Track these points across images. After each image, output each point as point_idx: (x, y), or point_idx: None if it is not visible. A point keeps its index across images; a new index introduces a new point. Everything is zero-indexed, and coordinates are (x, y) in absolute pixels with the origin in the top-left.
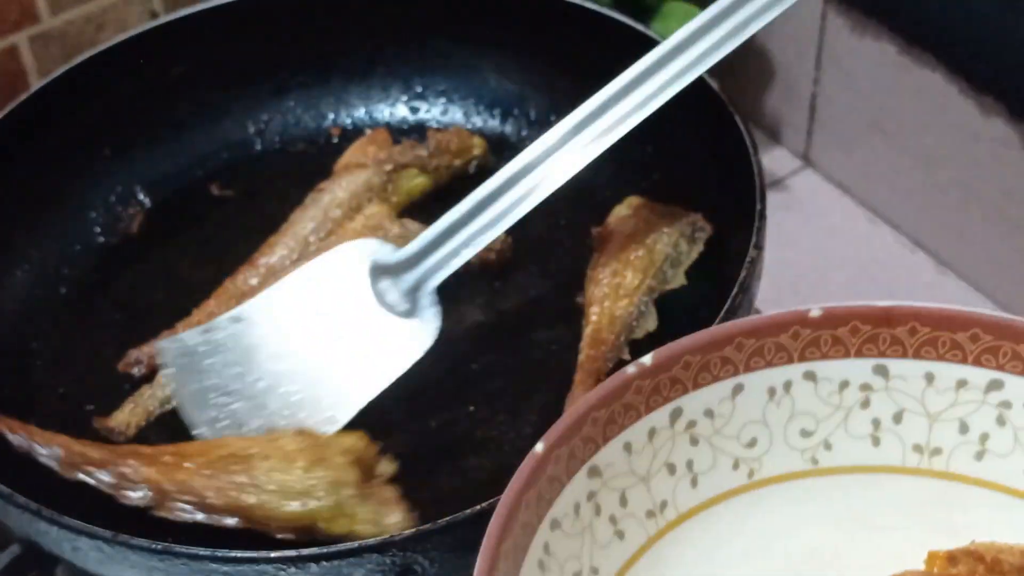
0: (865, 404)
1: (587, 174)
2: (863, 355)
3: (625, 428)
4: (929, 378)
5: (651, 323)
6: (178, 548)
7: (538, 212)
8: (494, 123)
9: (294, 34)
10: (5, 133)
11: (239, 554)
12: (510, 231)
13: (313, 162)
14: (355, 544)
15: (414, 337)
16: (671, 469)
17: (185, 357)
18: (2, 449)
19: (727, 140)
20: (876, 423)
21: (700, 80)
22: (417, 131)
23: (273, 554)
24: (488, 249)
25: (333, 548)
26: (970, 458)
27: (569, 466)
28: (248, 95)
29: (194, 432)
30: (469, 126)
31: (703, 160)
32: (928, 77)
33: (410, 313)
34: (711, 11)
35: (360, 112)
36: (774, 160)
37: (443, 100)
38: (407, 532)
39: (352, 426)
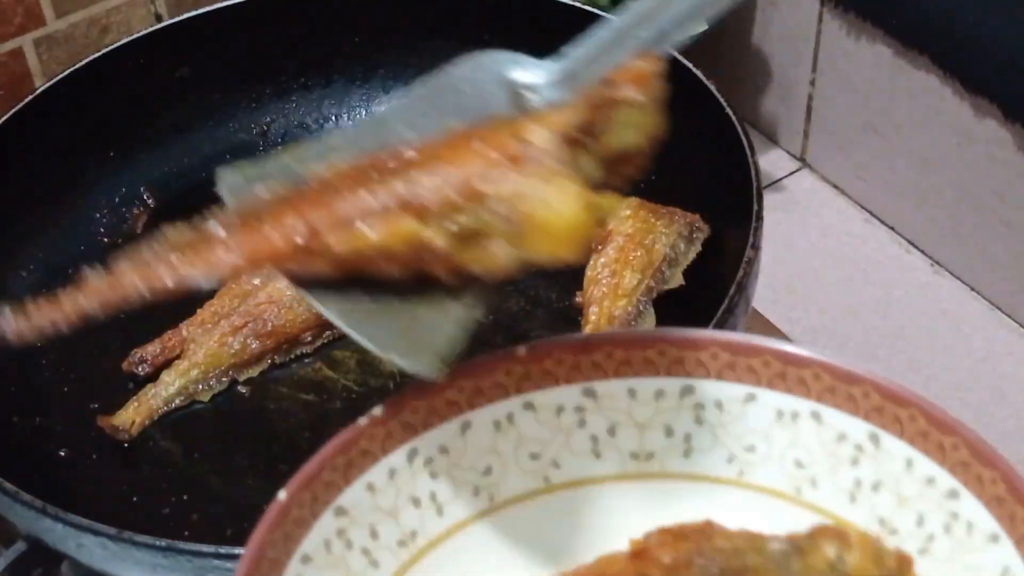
0: (582, 424)
1: None
2: (572, 382)
3: (365, 470)
4: (631, 393)
5: (649, 323)
6: (182, 545)
7: None
8: None
9: (296, 36)
10: (10, 135)
11: (243, 551)
12: None
13: None
14: None
15: None
16: (416, 502)
17: (250, 184)
18: (8, 447)
19: (724, 141)
20: (594, 439)
21: (698, 82)
22: None
23: None
24: None
25: None
26: (679, 457)
27: (314, 508)
28: (251, 97)
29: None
30: None
31: (701, 161)
32: (923, 79)
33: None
34: None
35: (362, 114)
36: (771, 161)
37: None
38: None
39: None
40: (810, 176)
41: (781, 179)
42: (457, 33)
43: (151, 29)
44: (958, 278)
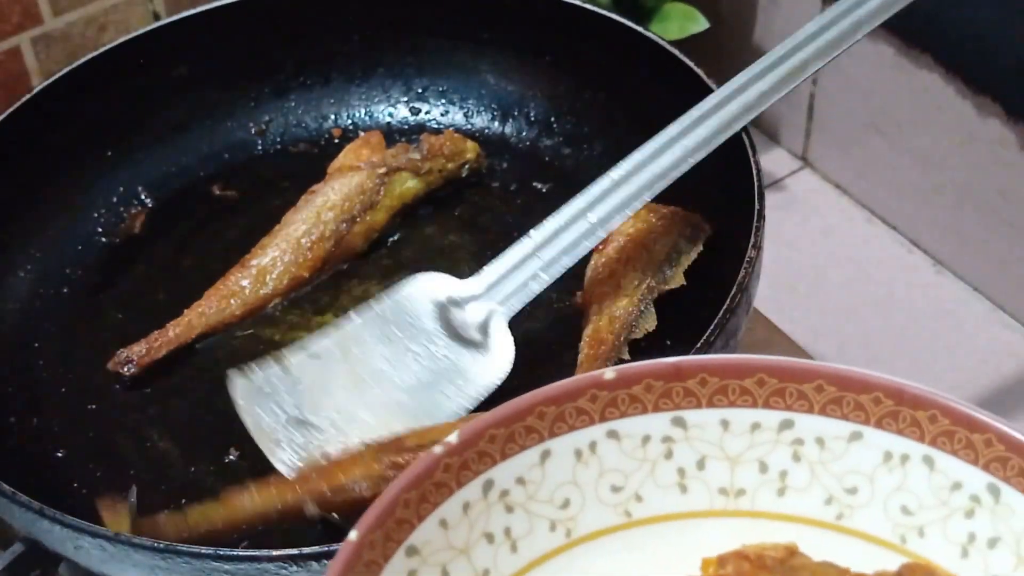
0: (669, 455)
1: (587, 175)
2: (660, 409)
3: (439, 505)
4: (725, 424)
5: (650, 323)
6: (180, 547)
7: (538, 212)
8: (495, 124)
9: (295, 35)
10: (8, 134)
11: (241, 552)
12: (511, 230)
13: (314, 162)
14: None
15: (487, 369)
16: (489, 538)
17: (257, 391)
18: (5, 448)
19: (726, 141)
20: (681, 472)
21: (699, 82)
22: (417, 132)
23: (275, 552)
24: None
25: (334, 547)
26: (773, 495)
27: (385, 549)
28: (249, 96)
29: (275, 464)
30: (469, 127)
31: (702, 161)
32: (925, 78)
33: (482, 344)
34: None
35: (361, 113)
36: (773, 161)
37: (443, 101)
38: None
39: None
40: (812, 175)
41: (783, 178)
42: (456, 32)
43: (149, 28)
44: (961, 278)
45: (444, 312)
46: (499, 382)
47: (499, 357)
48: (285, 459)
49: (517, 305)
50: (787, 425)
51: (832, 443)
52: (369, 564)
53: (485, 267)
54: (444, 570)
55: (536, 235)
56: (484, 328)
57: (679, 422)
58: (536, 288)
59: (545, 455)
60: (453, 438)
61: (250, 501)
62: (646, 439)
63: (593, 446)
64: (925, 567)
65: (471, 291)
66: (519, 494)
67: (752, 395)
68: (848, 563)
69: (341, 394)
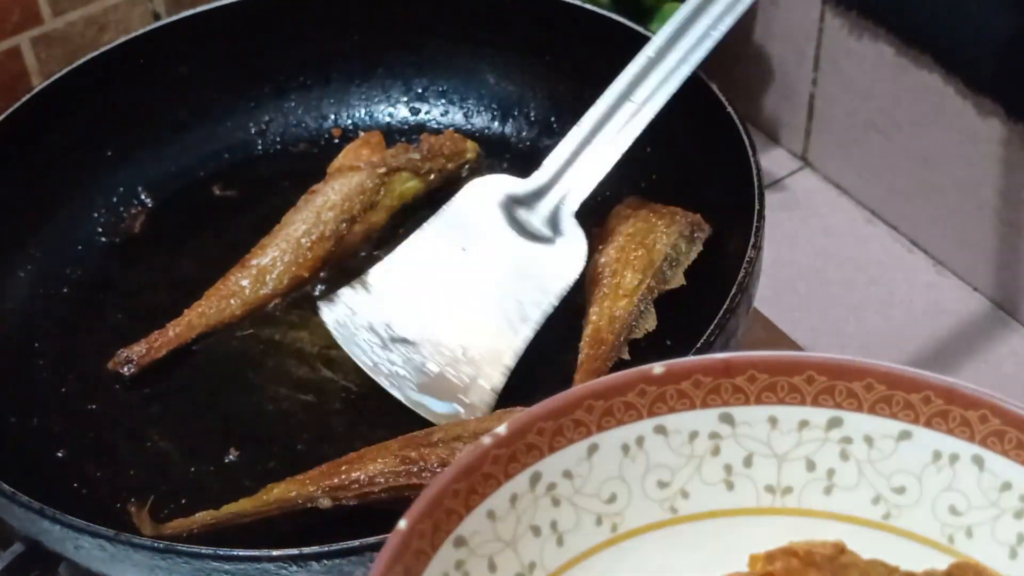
0: (716, 452)
1: None
2: (708, 406)
3: (487, 497)
4: (773, 421)
5: (650, 323)
6: (180, 547)
7: None
8: (495, 124)
9: (295, 35)
10: (8, 134)
11: (241, 553)
12: None
13: (314, 162)
14: (356, 543)
15: (562, 262)
16: (536, 531)
17: (347, 314)
18: (6, 448)
19: (726, 141)
20: (728, 468)
21: (699, 81)
22: (417, 132)
23: (275, 552)
24: None
25: (334, 547)
26: (819, 493)
27: (434, 539)
28: (249, 96)
29: (378, 379)
30: (469, 127)
31: (702, 161)
32: (925, 78)
33: (553, 239)
34: None
35: (360, 113)
36: (773, 160)
37: (443, 101)
38: None
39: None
40: (812, 175)
41: (783, 178)
42: (456, 32)
43: (149, 28)
44: (961, 278)
45: (510, 212)
46: (577, 273)
47: (572, 249)
48: (390, 380)
49: (581, 195)
50: (835, 423)
51: (881, 442)
52: (418, 553)
53: (544, 162)
54: (491, 562)
55: (585, 123)
56: (552, 222)
57: (727, 418)
58: (594, 177)
59: (592, 449)
60: (502, 430)
61: (267, 495)
62: (693, 435)
63: (640, 441)
64: (975, 566)
65: (533, 187)
66: (566, 487)
67: (801, 392)
68: (895, 562)
69: (425, 304)
